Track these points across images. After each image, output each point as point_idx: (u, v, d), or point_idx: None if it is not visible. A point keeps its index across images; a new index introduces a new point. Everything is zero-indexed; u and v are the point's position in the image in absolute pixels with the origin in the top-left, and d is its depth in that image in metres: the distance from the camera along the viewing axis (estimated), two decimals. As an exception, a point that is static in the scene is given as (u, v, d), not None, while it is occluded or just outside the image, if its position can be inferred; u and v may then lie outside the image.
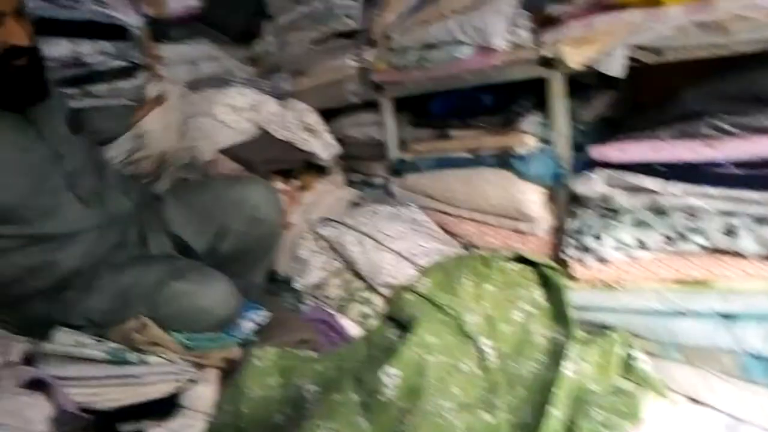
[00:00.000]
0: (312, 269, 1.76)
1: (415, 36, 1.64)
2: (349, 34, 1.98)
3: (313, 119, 2.11)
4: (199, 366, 1.31)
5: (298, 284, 1.74)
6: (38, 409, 1.15)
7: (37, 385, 1.20)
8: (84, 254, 1.35)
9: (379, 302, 1.58)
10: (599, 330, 1.24)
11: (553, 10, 1.27)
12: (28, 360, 1.38)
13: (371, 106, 2.01)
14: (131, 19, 2.19)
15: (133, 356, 1.26)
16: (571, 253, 1.37)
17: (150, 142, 2.00)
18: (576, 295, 1.29)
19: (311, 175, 2.11)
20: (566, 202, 1.46)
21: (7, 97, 1.21)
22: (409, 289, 1.44)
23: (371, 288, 1.62)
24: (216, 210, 1.46)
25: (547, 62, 1.34)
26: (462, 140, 1.66)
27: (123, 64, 2.19)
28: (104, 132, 1.85)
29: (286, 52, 2.29)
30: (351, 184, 2.22)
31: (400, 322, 1.36)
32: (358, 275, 1.67)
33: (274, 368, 1.30)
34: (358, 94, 1.98)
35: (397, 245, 1.63)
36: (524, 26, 1.35)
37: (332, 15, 1.99)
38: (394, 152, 1.97)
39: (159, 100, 2.02)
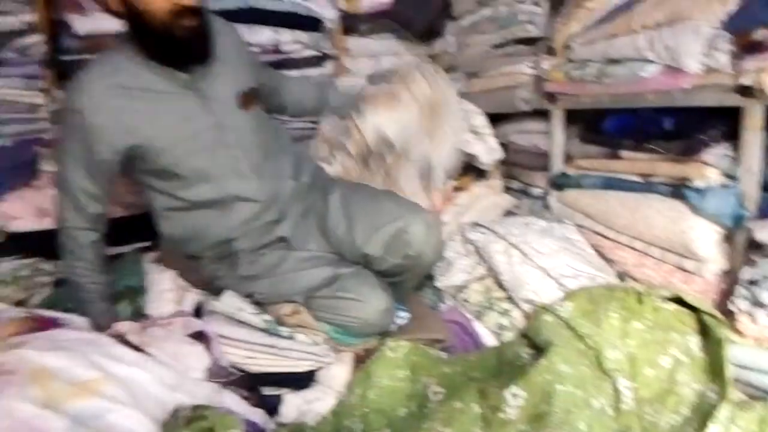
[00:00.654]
0: (455, 271, 1.78)
1: (598, 49, 1.56)
2: (528, 41, 1.94)
3: (480, 122, 2.11)
4: (337, 349, 1.41)
5: (440, 283, 1.77)
6: (198, 358, 1.31)
7: (200, 337, 1.37)
8: (240, 224, 1.44)
9: (517, 316, 1.56)
10: (761, 395, 1.10)
11: (760, 34, 1.13)
12: (197, 312, 1.58)
13: (540, 114, 1.97)
14: (327, 12, 2.37)
15: (284, 331, 1.39)
16: (741, 304, 1.24)
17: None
18: (739, 352, 1.16)
19: (470, 176, 2.12)
20: (744, 247, 1.31)
21: (175, 56, 1.27)
22: (550, 310, 1.39)
23: (512, 300, 1.60)
24: (373, 237, 1.44)
25: (745, 90, 1.21)
26: (633, 163, 1.56)
27: (314, 53, 2.39)
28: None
29: (464, 53, 2.31)
30: (508, 190, 2.19)
31: (535, 342, 1.33)
32: (501, 285, 1.65)
33: (404, 362, 1.34)
34: (529, 102, 1.95)
35: (545, 262, 1.59)
36: (723, 49, 1.22)
37: (515, 20, 1.96)
38: (557, 165, 1.91)
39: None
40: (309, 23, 2.32)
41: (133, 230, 1.92)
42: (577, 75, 1.62)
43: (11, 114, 2.14)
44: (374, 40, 2.58)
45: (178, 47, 1.24)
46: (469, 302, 1.71)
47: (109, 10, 1.27)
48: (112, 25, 2.16)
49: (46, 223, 1.81)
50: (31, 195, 1.89)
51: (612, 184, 1.63)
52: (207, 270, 1.56)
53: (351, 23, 2.54)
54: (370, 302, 1.38)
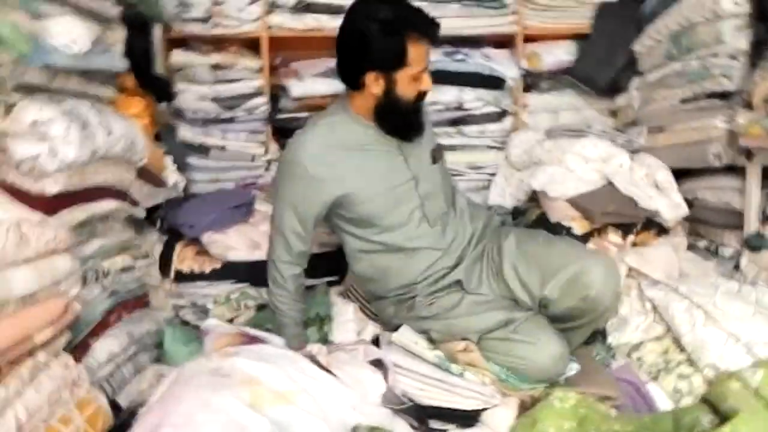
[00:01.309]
0: (630, 328, 1.73)
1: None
2: (722, 95, 1.86)
3: (664, 176, 2.05)
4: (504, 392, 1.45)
5: (613, 340, 1.72)
6: (376, 384, 1.44)
7: (379, 364, 1.50)
8: (425, 269, 1.60)
9: (698, 381, 1.48)
10: None
11: None
12: (375, 341, 1.74)
13: (732, 171, 1.86)
14: (510, 71, 2.50)
15: (456, 368, 1.47)
16: None
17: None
18: None
19: (651, 232, 2.05)
20: None
21: (405, 128, 1.52)
22: (738, 377, 1.31)
23: (692, 364, 1.52)
24: (551, 280, 1.48)
25: None
26: None
27: (495, 109, 2.51)
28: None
29: (649, 108, 2.27)
30: (692, 248, 2.06)
31: (717, 409, 1.25)
32: (680, 347, 1.58)
33: (572, 413, 1.34)
34: (721, 158, 1.85)
35: (734, 326, 1.49)
36: None
37: (708, 74, 1.90)
38: (753, 224, 1.78)
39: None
40: (492, 82, 2.46)
41: (324, 266, 2.15)
42: (782, 131, 1.53)
43: (235, 161, 2.57)
44: (554, 96, 2.64)
45: (409, 123, 1.50)
46: (644, 362, 1.64)
47: (359, 86, 1.46)
48: (321, 88, 2.56)
49: (257, 255, 2.10)
50: (247, 230, 2.22)
51: (820, 248, 1.49)
52: (387, 310, 1.71)
53: (533, 80, 2.63)
54: (544, 346, 1.41)
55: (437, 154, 1.62)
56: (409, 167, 1.54)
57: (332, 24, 2.53)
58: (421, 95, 1.46)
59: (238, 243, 2.17)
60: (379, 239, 1.59)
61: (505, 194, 2.38)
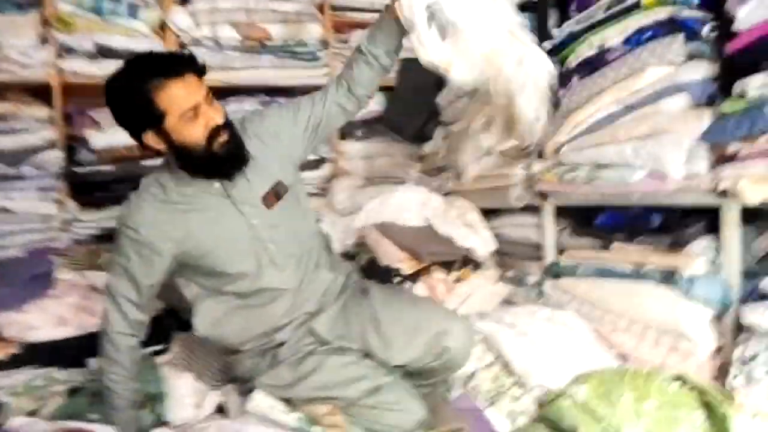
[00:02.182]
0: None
1: (587, 154, 1.77)
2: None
3: (474, 217, 2.29)
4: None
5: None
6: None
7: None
8: (283, 313, 1.52)
9: (529, 402, 1.64)
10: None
11: (734, 147, 1.34)
12: (220, 410, 1.62)
13: (530, 209, 2.16)
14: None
15: (317, 430, 1.43)
16: (736, 382, 1.37)
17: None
18: (740, 426, 1.28)
19: (468, 268, 2.26)
20: (733, 328, 1.46)
21: (215, 169, 1.37)
22: (566, 395, 1.49)
23: (522, 386, 1.69)
24: (414, 341, 1.49)
25: (722, 193, 1.41)
26: (625, 253, 1.73)
27: (313, 157, 2.57)
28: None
29: (455, 155, 2.52)
30: (502, 278, 2.33)
31: (560, 427, 1.42)
32: (510, 372, 1.74)
33: (432, 453, 1.40)
34: (521, 200, 2.14)
35: (553, 348, 1.70)
36: (701, 158, 1.43)
37: (504, 128, 2.19)
38: (551, 255, 2.07)
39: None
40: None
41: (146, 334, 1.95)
42: (569, 177, 1.82)
43: (24, 224, 2.22)
44: (368, 144, 2.79)
45: (218, 163, 1.35)
46: (479, 390, 1.78)
47: (147, 148, 1.35)
48: (126, 139, 2.34)
49: (63, 332, 1.84)
50: (49, 304, 1.92)
51: (606, 272, 1.79)
52: (244, 364, 1.60)
53: (347, 129, 2.75)
54: (410, 412, 1.44)
55: (271, 197, 1.47)
56: (244, 214, 1.45)
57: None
58: (214, 131, 1.31)
59: (39, 321, 1.87)
60: (231, 288, 1.50)
61: (332, 240, 2.42)
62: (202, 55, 2.48)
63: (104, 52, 2.30)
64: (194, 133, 1.30)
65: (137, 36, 2.39)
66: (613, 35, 1.74)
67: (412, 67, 2.76)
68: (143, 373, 1.77)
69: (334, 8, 2.75)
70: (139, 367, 1.53)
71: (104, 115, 2.40)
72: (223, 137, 1.33)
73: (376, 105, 2.81)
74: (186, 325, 2.13)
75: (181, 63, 1.29)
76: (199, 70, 1.31)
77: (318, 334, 1.55)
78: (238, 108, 2.58)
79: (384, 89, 2.83)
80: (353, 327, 1.56)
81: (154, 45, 2.42)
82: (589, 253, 1.88)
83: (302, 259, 1.54)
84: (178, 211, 1.40)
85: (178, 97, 1.26)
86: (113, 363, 1.45)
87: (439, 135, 2.68)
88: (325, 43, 2.64)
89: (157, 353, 1.96)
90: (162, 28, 2.47)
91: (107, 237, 2.36)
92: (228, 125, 1.35)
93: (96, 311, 1.90)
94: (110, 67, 2.24)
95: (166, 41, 2.46)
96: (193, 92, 1.28)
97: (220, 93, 2.55)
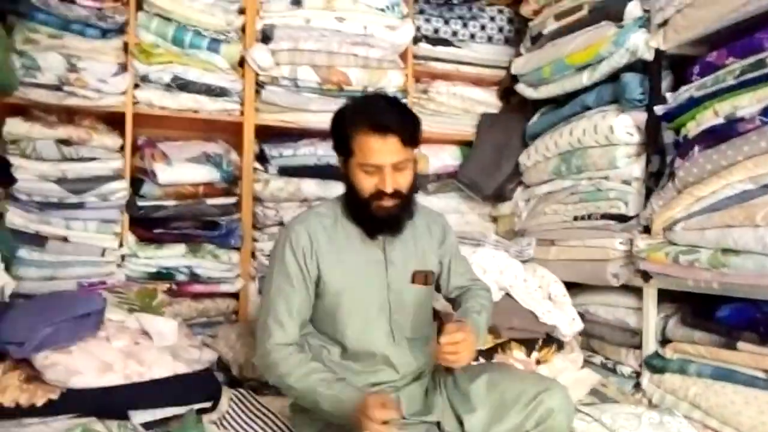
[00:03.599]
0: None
1: (710, 236, 1.55)
2: (617, 217, 1.95)
3: (558, 289, 2.07)
4: None
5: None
6: None
7: None
8: (373, 384, 1.43)
9: None
10: None
11: None
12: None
13: (628, 289, 1.92)
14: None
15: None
16: None
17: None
18: None
19: (551, 348, 2.03)
20: None
21: (365, 221, 1.43)
22: None
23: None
24: (509, 406, 1.40)
25: None
26: (756, 357, 1.48)
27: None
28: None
29: (537, 220, 2.33)
30: (589, 365, 2.08)
31: None
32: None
33: None
34: (620, 278, 1.91)
35: (660, 459, 1.45)
36: None
37: (602, 196, 1.99)
38: (651, 345, 1.83)
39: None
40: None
41: (193, 389, 1.79)
42: (685, 260, 1.60)
43: (79, 256, 2.12)
44: (439, 199, 2.63)
45: (371, 219, 1.41)
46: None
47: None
48: (193, 174, 2.26)
49: (108, 380, 1.70)
50: (95, 347, 1.78)
51: (728, 376, 1.54)
52: (306, 428, 1.49)
53: (420, 182, 2.59)
54: None
55: (420, 277, 1.50)
56: (388, 274, 1.46)
57: (211, 106, 2.32)
58: (382, 193, 1.36)
59: (83, 365, 1.72)
60: (341, 339, 1.45)
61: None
62: (278, 94, 2.41)
63: (180, 85, 2.23)
64: (365, 185, 1.37)
65: (215, 71, 2.32)
66: (748, 104, 1.54)
67: (494, 122, 2.63)
68: (186, 425, 1.63)
69: (417, 57, 2.65)
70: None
71: (174, 148, 2.32)
72: (387, 203, 1.37)
73: (451, 159, 2.66)
74: (237, 382, 1.97)
75: (391, 125, 1.34)
76: (408, 137, 1.35)
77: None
78: (310, 151, 2.47)
79: (462, 143, 2.70)
80: (434, 403, 1.47)
81: (232, 80, 2.34)
82: (705, 350, 1.63)
83: (415, 344, 1.51)
84: (330, 240, 1.44)
85: (367, 149, 1.34)
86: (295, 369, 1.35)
87: (519, 196, 2.49)
88: (405, 92, 2.53)
89: (204, 411, 1.79)
90: (241, 64, 2.40)
91: (162, 276, 2.25)
92: (401, 196, 1.38)
93: (144, 360, 1.76)
94: (184, 100, 2.25)
95: (245, 77, 2.38)
96: (384, 153, 1.33)
97: (294, 135, 2.48)
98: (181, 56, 2.28)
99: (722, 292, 1.56)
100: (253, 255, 2.43)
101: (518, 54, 2.59)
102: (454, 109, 2.66)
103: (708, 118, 1.66)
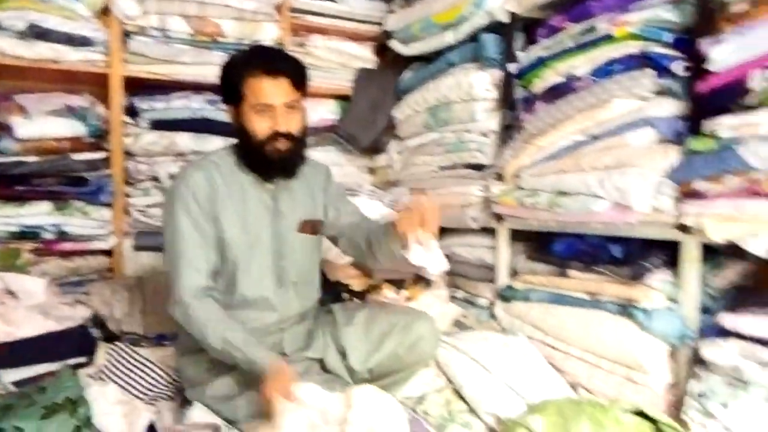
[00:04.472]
0: (413, 382, 1.81)
1: (548, 181, 1.77)
2: (476, 166, 2.14)
3: (427, 234, 2.24)
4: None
5: (398, 394, 1.78)
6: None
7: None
8: (260, 327, 1.52)
9: (480, 428, 1.61)
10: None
11: (700, 185, 1.36)
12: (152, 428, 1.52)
13: (486, 231, 2.14)
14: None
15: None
16: (693, 415, 1.38)
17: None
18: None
19: (419, 286, 2.21)
20: (689, 363, 1.48)
21: (261, 168, 1.49)
22: (522, 424, 1.46)
23: (473, 412, 1.65)
24: (385, 336, 1.59)
25: (684, 228, 1.43)
26: (582, 282, 1.73)
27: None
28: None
29: (410, 171, 2.48)
30: (453, 299, 2.30)
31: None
32: (461, 397, 1.70)
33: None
34: (477, 221, 2.11)
35: (506, 376, 1.68)
36: (667, 194, 1.45)
37: (463, 147, 2.17)
38: (503, 278, 2.06)
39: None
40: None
41: (66, 345, 1.78)
42: (529, 202, 1.81)
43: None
44: (318, 152, 2.70)
45: (266, 163, 1.46)
46: (429, 414, 1.73)
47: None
48: (55, 128, 2.15)
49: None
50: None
51: (561, 299, 1.79)
52: (187, 371, 1.55)
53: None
54: None
55: (307, 227, 1.58)
56: (278, 224, 1.54)
57: (73, 56, 2.20)
58: (276, 134, 1.42)
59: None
60: (230, 289, 1.51)
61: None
62: (147, 45, 2.33)
63: (37, 34, 2.09)
64: (258, 127, 1.41)
65: (76, 18, 2.19)
66: (581, 64, 1.75)
67: (370, 77, 2.72)
68: (61, 380, 1.62)
69: (294, 10, 2.65)
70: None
71: (32, 101, 2.19)
72: (281, 145, 1.43)
73: (329, 114, 2.73)
74: (114, 337, 1.97)
75: (281, 67, 1.42)
76: (297, 79, 1.43)
77: (280, 348, 1.55)
78: (183, 104, 2.42)
79: (339, 98, 2.77)
80: (316, 342, 1.60)
81: (95, 29, 2.22)
82: (544, 279, 1.87)
83: (299, 289, 1.60)
84: (221, 189, 1.47)
85: (259, 91, 1.39)
86: (213, 319, 1.39)
87: (393, 149, 2.63)
88: (281, 45, 2.53)
89: (80, 366, 1.79)
90: (105, 12, 2.28)
91: (26, 235, 2.15)
92: (293, 139, 1.45)
93: (12, 319, 1.71)
94: (42, 49, 2.11)
95: (110, 27, 2.27)
96: (276, 93, 1.40)
97: (166, 87, 2.42)
98: (37, 2, 2.12)
99: (558, 229, 1.79)
100: (126, 211, 2.37)
101: (392, 11, 2.68)
102: (331, 63, 2.71)
103: (550, 76, 1.86)
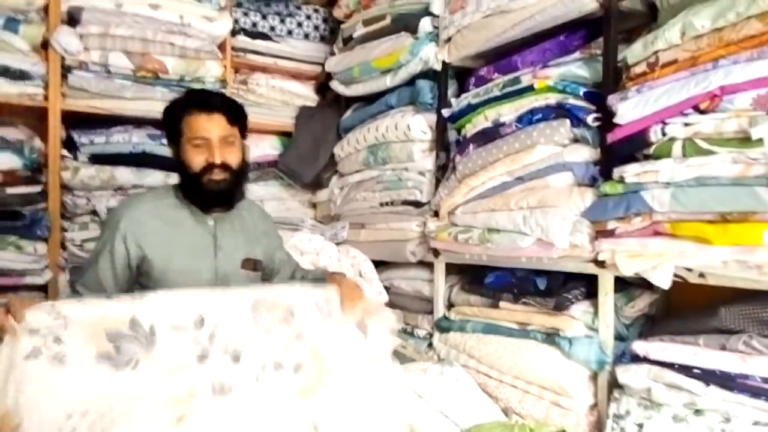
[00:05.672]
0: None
1: (479, 218, 1.90)
2: (414, 203, 2.25)
3: (368, 267, 2.33)
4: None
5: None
6: None
7: None
8: None
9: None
10: None
11: (612, 224, 1.52)
12: None
13: (424, 264, 2.25)
14: (220, 162, 2.50)
15: None
16: (611, 435, 1.51)
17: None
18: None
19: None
20: (608, 386, 1.62)
21: (198, 198, 1.53)
22: (458, 449, 1.55)
23: (412, 440, 1.73)
24: None
25: (600, 263, 1.58)
26: (512, 313, 1.85)
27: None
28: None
29: (350, 206, 2.57)
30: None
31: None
32: (401, 426, 1.77)
33: None
34: (416, 255, 2.22)
35: (441, 403, 1.77)
36: (584, 231, 1.60)
37: (402, 185, 2.28)
38: (441, 310, 2.17)
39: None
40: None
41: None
42: (462, 238, 1.93)
43: None
44: (260, 186, 2.75)
45: (203, 193, 1.51)
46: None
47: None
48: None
49: None
50: None
51: (493, 329, 1.91)
52: None
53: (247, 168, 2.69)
54: None
55: (255, 264, 1.62)
56: (218, 259, 1.56)
57: (9, 89, 2.18)
58: (212, 165, 1.48)
59: None
60: None
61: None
62: (87, 80, 2.33)
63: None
64: (194, 160, 1.48)
65: (14, 52, 2.18)
66: (508, 112, 1.90)
67: (312, 115, 2.82)
68: None
69: (236, 49, 2.72)
70: None
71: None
72: (217, 176, 1.48)
73: (271, 149, 2.79)
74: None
75: (215, 104, 1.51)
76: (233, 115, 1.51)
77: None
78: (124, 138, 2.43)
79: (281, 134, 2.84)
80: None
81: (34, 63, 2.22)
82: (478, 310, 1.99)
83: None
84: (162, 223, 1.52)
85: (195, 126, 1.48)
86: None
87: (335, 184, 2.72)
88: (224, 82, 2.59)
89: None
90: (45, 46, 2.28)
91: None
92: (230, 171, 1.50)
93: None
94: None
95: (49, 61, 2.27)
96: (211, 128, 1.47)
97: (106, 121, 2.42)
98: (-27, 36, 2.11)
99: (489, 262, 1.92)
100: (63, 246, 2.34)
101: (332, 53, 2.79)
102: (273, 101, 2.80)
103: (480, 121, 2.01)
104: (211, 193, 1.50)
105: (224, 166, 1.48)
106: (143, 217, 1.51)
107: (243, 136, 1.57)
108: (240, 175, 1.55)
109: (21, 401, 1.09)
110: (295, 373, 1.33)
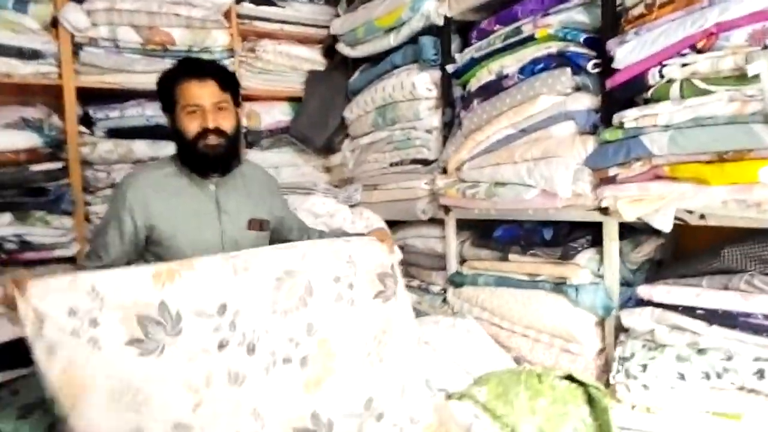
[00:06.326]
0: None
1: (486, 173, 1.91)
2: (423, 161, 2.27)
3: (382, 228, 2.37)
4: None
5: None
6: None
7: None
8: None
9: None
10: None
11: (613, 171, 1.52)
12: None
13: (434, 222, 2.28)
14: (233, 128, 2.55)
15: None
16: (617, 378, 1.54)
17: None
18: (619, 416, 1.46)
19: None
20: (614, 331, 1.65)
21: (196, 165, 1.56)
22: (467, 395, 1.61)
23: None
24: None
25: (604, 210, 1.59)
26: (521, 265, 1.88)
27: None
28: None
29: (362, 168, 2.60)
30: (409, 288, 2.43)
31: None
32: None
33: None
34: (427, 213, 2.25)
35: (454, 354, 1.82)
36: (586, 180, 1.60)
37: (410, 144, 2.30)
38: (453, 265, 2.20)
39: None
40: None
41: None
42: (470, 193, 1.95)
43: None
44: (274, 153, 2.80)
45: (199, 159, 1.54)
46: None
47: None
48: (11, 142, 2.20)
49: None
50: None
51: (503, 282, 1.94)
52: None
53: (253, 138, 2.74)
54: None
55: (261, 224, 1.66)
56: (222, 222, 1.59)
57: (24, 70, 2.24)
58: (206, 131, 1.50)
59: None
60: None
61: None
62: (98, 56, 2.38)
63: (-10, 49, 2.13)
64: (189, 126, 1.51)
65: (25, 32, 2.24)
66: (510, 63, 1.89)
67: (320, 79, 2.83)
68: (34, 382, 1.68)
69: (241, 16, 2.73)
70: None
71: (-15, 115, 2.22)
72: (212, 141, 1.51)
73: (283, 115, 2.82)
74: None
75: (207, 71, 1.53)
76: (224, 82, 1.53)
77: None
78: (138, 112, 2.49)
79: (292, 100, 2.87)
80: None
81: (45, 42, 2.27)
82: (488, 264, 2.02)
83: None
84: (164, 191, 1.55)
85: (188, 93, 1.50)
86: None
87: (346, 147, 2.74)
88: (231, 51, 2.61)
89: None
90: (54, 24, 2.32)
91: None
92: (225, 136, 1.53)
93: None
94: None
95: (60, 39, 2.32)
96: (203, 94, 1.50)
97: (120, 96, 2.47)
98: (-16, 17, 2.16)
99: (496, 216, 1.94)
100: (87, 218, 2.43)
101: (337, 15, 2.78)
102: (281, 66, 2.80)
103: (484, 75, 2.00)
104: (207, 158, 1.53)
105: (218, 131, 1.51)
106: (148, 190, 1.54)
107: (236, 103, 1.59)
108: (235, 140, 1.58)
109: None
110: (301, 367, 1.33)
